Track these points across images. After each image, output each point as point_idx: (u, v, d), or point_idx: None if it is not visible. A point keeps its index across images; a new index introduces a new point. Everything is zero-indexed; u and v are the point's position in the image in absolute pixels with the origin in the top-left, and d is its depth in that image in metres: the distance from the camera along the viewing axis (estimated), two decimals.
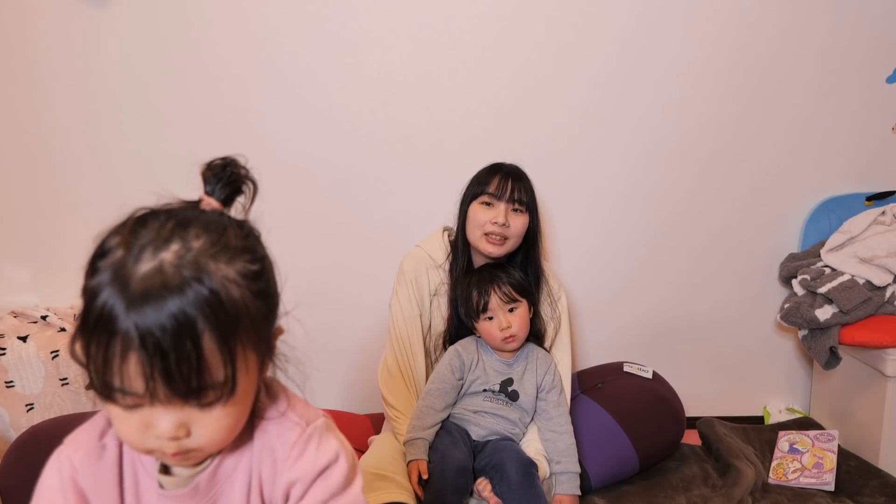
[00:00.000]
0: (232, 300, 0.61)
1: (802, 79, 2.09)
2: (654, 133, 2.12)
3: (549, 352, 1.68)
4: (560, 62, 2.04)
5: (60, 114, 2.00)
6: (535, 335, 1.68)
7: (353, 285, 2.15)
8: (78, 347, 0.60)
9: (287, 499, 0.73)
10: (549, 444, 1.58)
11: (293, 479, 0.72)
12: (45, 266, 2.08)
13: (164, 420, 0.61)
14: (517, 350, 1.62)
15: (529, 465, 1.47)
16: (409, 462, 1.48)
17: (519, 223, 1.59)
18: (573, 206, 2.17)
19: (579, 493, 1.55)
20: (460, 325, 1.66)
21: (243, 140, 2.04)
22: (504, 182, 1.59)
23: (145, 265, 0.58)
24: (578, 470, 1.56)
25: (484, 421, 1.57)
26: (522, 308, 1.58)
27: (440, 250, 1.68)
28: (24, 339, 1.85)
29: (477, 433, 1.56)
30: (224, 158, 0.70)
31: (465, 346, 1.62)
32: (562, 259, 2.19)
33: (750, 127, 2.13)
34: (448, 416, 1.60)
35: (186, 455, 0.65)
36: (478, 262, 1.67)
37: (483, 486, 1.45)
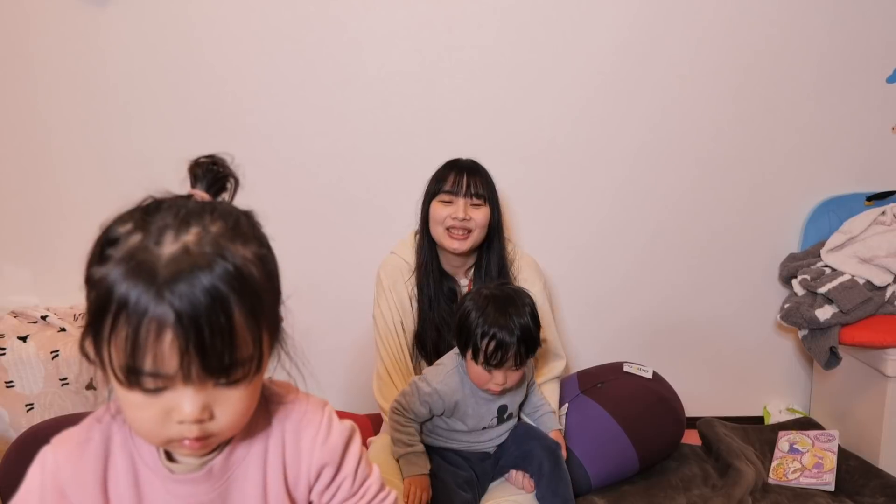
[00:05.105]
0: (254, 278, 0.63)
1: (802, 79, 2.09)
2: (654, 132, 2.12)
3: None
4: (559, 62, 2.04)
5: (61, 114, 2.00)
6: None
7: (354, 284, 2.15)
8: (88, 343, 0.61)
9: (317, 479, 0.77)
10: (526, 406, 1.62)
11: (323, 462, 0.76)
12: (45, 266, 2.08)
13: (189, 402, 0.62)
14: None
15: (556, 450, 1.50)
16: (407, 478, 1.41)
17: (480, 216, 1.61)
18: (573, 206, 2.17)
19: (559, 426, 1.61)
20: (431, 325, 1.65)
21: (244, 139, 2.04)
22: (460, 177, 1.61)
23: (169, 247, 0.59)
24: (553, 408, 1.63)
25: (484, 436, 1.52)
26: (521, 370, 1.44)
27: (414, 254, 1.69)
28: (24, 339, 1.85)
29: (483, 447, 1.53)
30: (211, 156, 0.72)
31: (447, 384, 1.44)
32: (561, 258, 2.19)
33: (750, 127, 2.13)
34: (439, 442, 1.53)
35: (206, 441, 0.66)
36: (444, 259, 1.69)
37: (520, 478, 1.49)
